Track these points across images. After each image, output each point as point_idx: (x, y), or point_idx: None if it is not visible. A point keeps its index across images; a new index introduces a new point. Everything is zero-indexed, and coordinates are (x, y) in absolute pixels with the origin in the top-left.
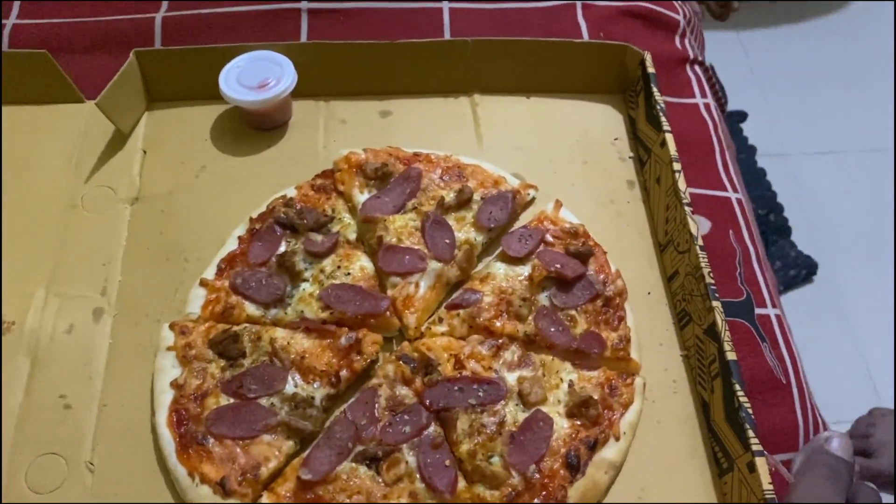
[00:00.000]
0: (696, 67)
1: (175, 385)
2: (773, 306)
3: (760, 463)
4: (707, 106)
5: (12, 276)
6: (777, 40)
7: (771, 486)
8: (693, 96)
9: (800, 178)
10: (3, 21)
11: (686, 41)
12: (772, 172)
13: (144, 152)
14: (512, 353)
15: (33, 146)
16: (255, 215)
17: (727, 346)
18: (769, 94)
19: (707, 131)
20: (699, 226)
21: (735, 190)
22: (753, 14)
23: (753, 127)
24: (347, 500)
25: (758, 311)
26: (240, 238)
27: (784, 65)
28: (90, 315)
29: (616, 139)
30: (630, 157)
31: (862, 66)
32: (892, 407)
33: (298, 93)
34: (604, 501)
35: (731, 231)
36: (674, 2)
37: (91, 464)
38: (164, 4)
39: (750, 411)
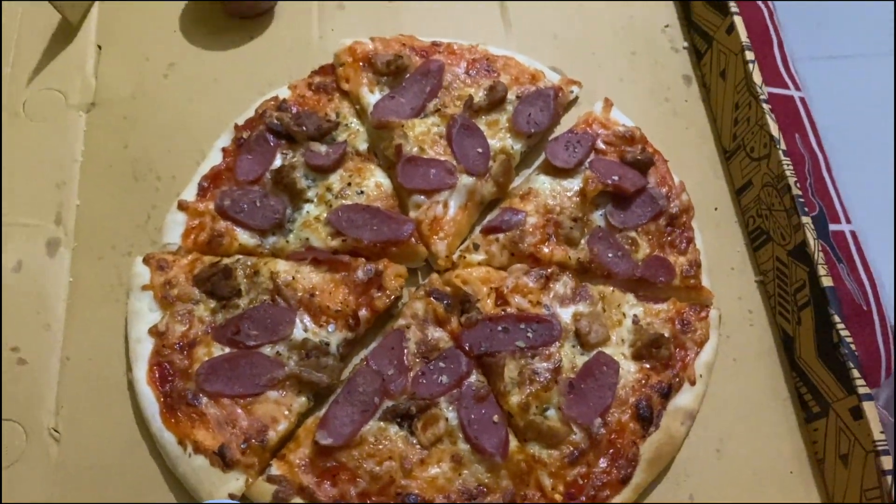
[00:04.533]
0: None
1: (155, 332)
2: (847, 221)
3: (869, 408)
4: None
5: None
6: None
7: (884, 436)
8: None
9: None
10: None
11: None
12: None
13: (99, 48)
14: (564, 284)
15: None
16: (240, 122)
17: (822, 271)
18: None
19: (762, 20)
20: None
21: (797, 88)
22: None
23: None
24: (377, 468)
25: (831, 227)
26: (224, 150)
27: None
28: (43, 248)
29: (667, 26)
30: (685, 48)
31: None
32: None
33: None
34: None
35: (797, 135)
36: None
37: (56, 431)
38: None
39: (853, 347)
